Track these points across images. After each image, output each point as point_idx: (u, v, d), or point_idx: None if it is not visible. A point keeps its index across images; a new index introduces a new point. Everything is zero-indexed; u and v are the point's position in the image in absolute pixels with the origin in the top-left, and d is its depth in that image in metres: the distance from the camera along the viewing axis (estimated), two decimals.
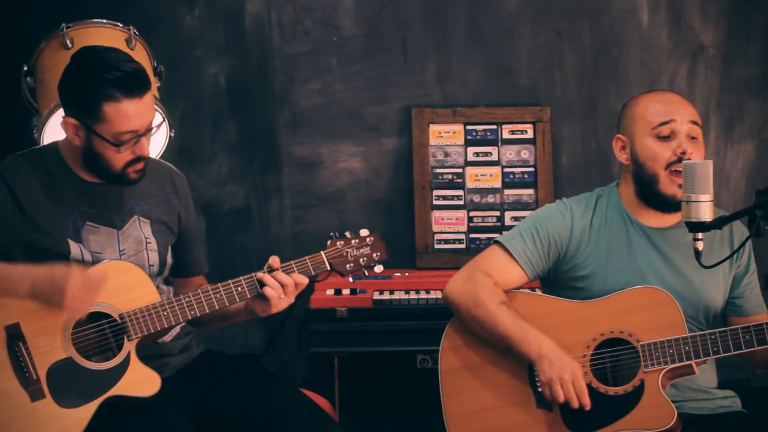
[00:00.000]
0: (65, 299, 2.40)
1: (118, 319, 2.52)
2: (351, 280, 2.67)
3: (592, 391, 2.62)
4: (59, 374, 2.46)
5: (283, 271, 2.59)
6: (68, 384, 2.46)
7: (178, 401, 2.59)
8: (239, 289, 2.59)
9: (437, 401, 2.73)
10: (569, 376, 2.58)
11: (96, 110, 2.49)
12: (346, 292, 3.44)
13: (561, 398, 2.59)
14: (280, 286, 2.58)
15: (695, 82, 3.88)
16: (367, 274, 2.67)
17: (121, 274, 2.55)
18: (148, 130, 2.57)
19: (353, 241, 2.65)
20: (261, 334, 3.91)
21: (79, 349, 2.49)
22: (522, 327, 2.65)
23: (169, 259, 2.75)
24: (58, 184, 2.61)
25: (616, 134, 2.79)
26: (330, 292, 3.45)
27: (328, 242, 2.66)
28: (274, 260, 2.61)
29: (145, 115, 2.55)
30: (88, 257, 2.58)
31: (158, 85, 3.35)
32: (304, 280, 2.60)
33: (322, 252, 2.64)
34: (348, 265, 2.65)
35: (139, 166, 2.60)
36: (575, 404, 2.59)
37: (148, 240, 2.68)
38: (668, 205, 2.68)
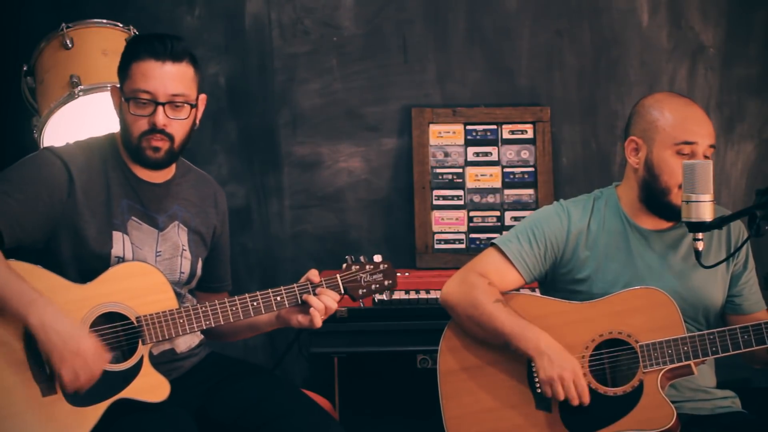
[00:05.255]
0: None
1: (134, 321, 2.52)
2: (361, 304, 2.71)
3: (592, 392, 2.61)
4: None
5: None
6: None
7: (183, 402, 2.58)
8: (278, 298, 2.61)
9: (437, 401, 2.73)
10: (570, 375, 2.58)
11: (127, 70, 2.59)
12: None
13: (561, 397, 2.58)
14: (324, 307, 2.62)
15: (695, 82, 3.88)
16: (376, 300, 2.71)
17: (141, 276, 2.56)
18: (171, 104, 2.57)
19: (368, 267, 2.69)
20: (261, 335, 3.89)
21: None
22: (519, 323, 2.64)
23: (199, 271, 2.76)
24: (111, 174, 2.62)
25: (629, 135, 2.72)
26: None
27: (344, 266, 2.69)
28: (313, 274, 2.65)
29: (166, 83, 2.56)
30: (129, 252, 2.58)
31: None
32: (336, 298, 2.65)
33: (337, 275, 2.67)
34: (360, 291, 2.69)
35: (157, 143, 2.58)
36: (575, 403, 2.58)
37: (183, 247, 2.70)
38: (674, 215, 2.63)
